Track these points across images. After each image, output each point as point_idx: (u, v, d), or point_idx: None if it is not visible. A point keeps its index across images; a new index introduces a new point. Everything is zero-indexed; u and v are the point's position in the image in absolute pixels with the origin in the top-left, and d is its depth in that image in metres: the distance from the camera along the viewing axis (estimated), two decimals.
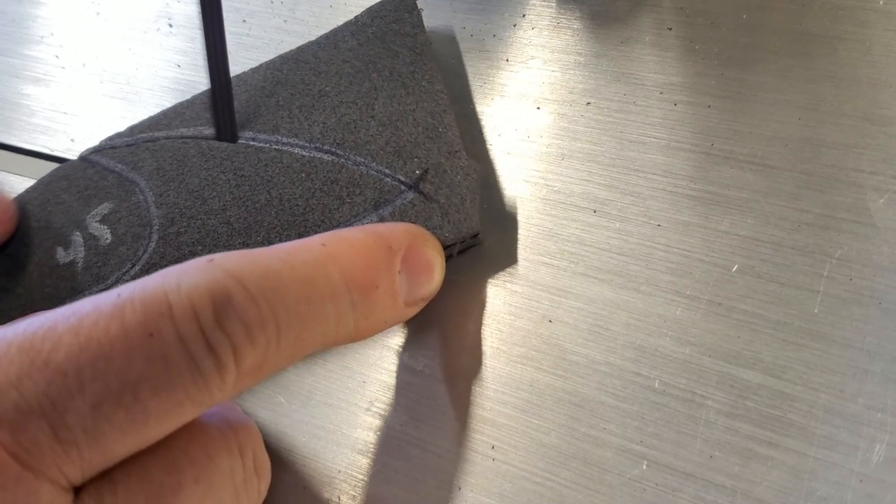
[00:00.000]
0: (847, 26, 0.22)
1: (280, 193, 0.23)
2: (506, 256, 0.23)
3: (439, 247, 0.22)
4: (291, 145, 0.24)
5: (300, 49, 0.26)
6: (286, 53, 0.26)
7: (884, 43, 0.21)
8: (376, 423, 0.23)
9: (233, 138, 0.24)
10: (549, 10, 0.25)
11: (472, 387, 0.23)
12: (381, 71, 0.25)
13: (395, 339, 0.24)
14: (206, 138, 0.25)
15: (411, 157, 0.23)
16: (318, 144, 0.24)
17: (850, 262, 0.20)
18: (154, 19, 0.31)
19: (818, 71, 0.22)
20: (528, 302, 0.23)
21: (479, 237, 0.23)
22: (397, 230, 0.21)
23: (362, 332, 0.20)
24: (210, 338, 0.16)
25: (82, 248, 0.25)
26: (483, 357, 0.23)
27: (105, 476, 0.17)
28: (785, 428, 0.20)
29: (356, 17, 0.26)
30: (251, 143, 0.25)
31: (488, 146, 0.25)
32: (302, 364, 0.24)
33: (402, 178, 0.23)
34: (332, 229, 0.22)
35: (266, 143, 0.24)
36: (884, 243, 0.20)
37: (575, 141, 0.24)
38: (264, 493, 0.20)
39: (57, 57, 0.32)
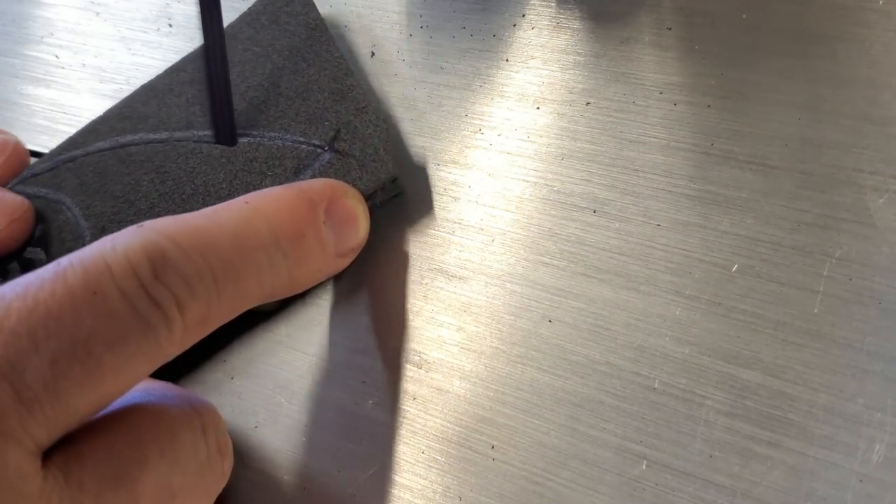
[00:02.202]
0: (847, 26, 0.22)
1: (204, 181, 0.25)
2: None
3: (360, 197, 0.23)
4: (209, 137, 0.25)
5: (201, 47, 0.27)
6: (188, 55, 0.27)
7: (884, 43, 0.21)
8: (376, 423, 0.23)
9: (232, 140, 0.25)
10: (549, 10, 0.25)
11: (472, 387, 0.23)
12: (280, 51, 0.26)
13: (395, 338, 0.24)
14: (122, 146, 0.26)
15: (322, 121, 0.24)
16: None
17: (850, 262, 0.20)
18: (154, 19, 0.31)
19: (818, 71, 0.22)
20: (528, 302, 0.23)
21: (399, 184, 0.25)
22: (316, 184, 0.22)
23: (299, 282, 0.21)
24: (152, 292, 0.17)
25: (20, 274, 0.25)
26: (480, 356, 0.23)
27: (72, 449, 0.17)
28: (785, 428, 0.20)
29: (249, 8, 0.27)
30: (168, 141, 0.26)
31: (488, 146, 0.25)
32: (302, 364, 0.24)
33: (317, 142, 0.24)
34: None
35: (183, 139, 0.25)
36: (884, 243, 0.20)
37: (575, 141, 0.24)
38: (228, 474, 0.21)
39: (57, 57, 0.32)
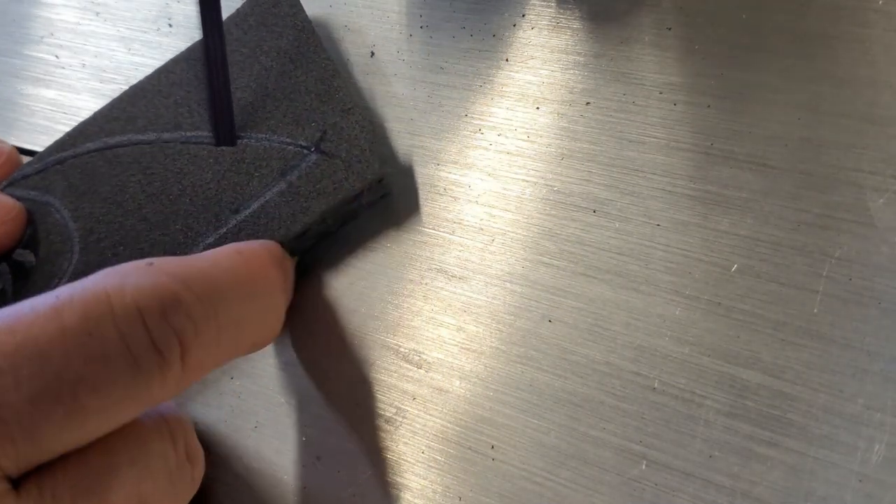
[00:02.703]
0: (847, 26, 0.22)
1: (192, 182, 0.25)
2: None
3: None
4: (196, 138, 0.25)
5: (190, 49, 0.27)
6: (177, 56, 0.27)
7: (884, 43, 0.21)
8: (376, 423, 0.23)
9: (232, 141, 0.25)
10: (549, 10, 0.25)
11: (472, 387, 0.23)
12: (267, 52, 0.26)
13: (394, 338, 0.24)
14: (110, 148, 0.26)
15: (308, 122, 0.25)
16: None
17: (850, 262, 0.20)
18: (154, 19, 0.31)
19: (818, 71, 0.22)
20: (528, 302, 0.23)
21: (386, 184, 0.25)
22: (254, 244, 0.23)
23: (275, 332, 0.23)
24: (155, 336, 0.17)
25: (9, 276, 0.26)
26: (480, 356, 0.23)
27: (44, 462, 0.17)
28: (784, 428, 0.20)
29: (237, 9, 0.27)
30: (156, 142, 0.26)
31: (488, 146, 0.25)
32: (302, 364, 0.24)
33: (304, 144, 0.24)
34: (245, 203, 0.24)
35: (171, 140, 0.26)
36: (883, 243, 0.20)
37: (575, 141, 0.24)
38: (198, 481, 0.21)
39: (57, 57, 0.32)
